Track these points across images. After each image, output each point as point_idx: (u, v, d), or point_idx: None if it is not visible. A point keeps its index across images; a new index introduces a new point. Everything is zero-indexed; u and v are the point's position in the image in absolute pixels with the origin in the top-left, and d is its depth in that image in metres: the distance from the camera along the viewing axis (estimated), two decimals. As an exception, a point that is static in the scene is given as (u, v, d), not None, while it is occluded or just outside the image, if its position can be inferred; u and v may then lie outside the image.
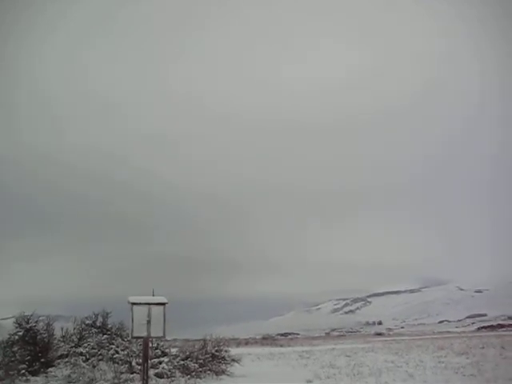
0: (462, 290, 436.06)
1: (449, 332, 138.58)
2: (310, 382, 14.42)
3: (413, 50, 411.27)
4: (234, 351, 19.36)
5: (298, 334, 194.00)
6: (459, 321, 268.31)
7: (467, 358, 21.07)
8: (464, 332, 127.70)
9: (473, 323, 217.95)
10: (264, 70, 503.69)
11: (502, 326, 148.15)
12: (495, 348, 28.13)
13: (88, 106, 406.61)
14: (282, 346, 59.05)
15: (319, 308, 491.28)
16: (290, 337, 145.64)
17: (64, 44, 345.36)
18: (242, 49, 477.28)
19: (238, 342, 58.76)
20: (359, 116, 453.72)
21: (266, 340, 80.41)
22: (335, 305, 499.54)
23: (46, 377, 13.48)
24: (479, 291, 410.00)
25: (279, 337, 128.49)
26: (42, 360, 14.29)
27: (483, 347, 29.85)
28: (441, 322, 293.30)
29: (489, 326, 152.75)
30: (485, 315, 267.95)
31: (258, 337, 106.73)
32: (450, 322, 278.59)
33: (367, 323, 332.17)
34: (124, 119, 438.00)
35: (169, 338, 20.96)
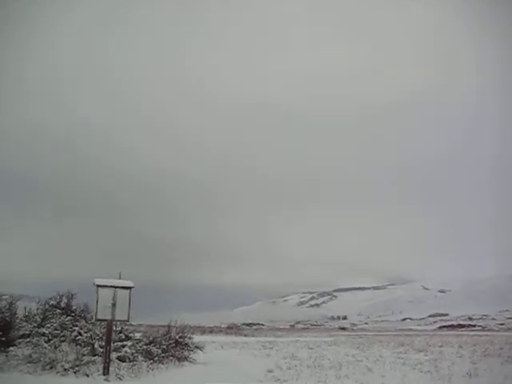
0: (426, 289, 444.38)
1: (411, 330, 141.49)
2: (271, 371, 14.60)
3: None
4: (198, 339, 19.42)
5: (262, 325, 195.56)
6: (422, 319, 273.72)
7: (425, 356, 21.57)
8: (425, 330, 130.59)
9: (434, 322, 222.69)
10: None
11: (461, 326, 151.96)
12: (453, 347, 28.87)
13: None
14: (246, 335, 59.54)
15: (285, 300, 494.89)
16: (254, 327, 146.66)
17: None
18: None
19: (203, 330, 58.99)
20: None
21: (231, 329, 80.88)
22: (301, 298, 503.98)
23: (6, 356, 13.31)
24: (442, 291, 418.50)
25: (244, 326, 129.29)
26: (3, 339, 14.08)
27: (442, 345, 30.62)
28: (404, 319, 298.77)
29: (450, 326, 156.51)
30: (446, 315, 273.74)
31: (223, 326, 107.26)
32: (412, 319, 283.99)
33: (332, 317, 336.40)
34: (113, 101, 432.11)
35: (134, 323, 20.91)
